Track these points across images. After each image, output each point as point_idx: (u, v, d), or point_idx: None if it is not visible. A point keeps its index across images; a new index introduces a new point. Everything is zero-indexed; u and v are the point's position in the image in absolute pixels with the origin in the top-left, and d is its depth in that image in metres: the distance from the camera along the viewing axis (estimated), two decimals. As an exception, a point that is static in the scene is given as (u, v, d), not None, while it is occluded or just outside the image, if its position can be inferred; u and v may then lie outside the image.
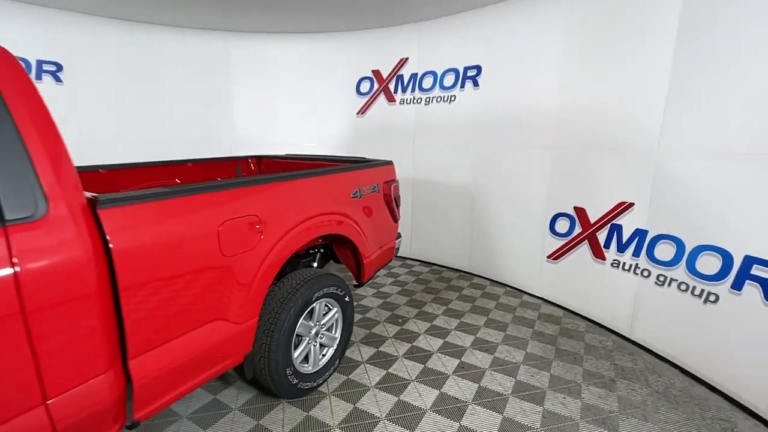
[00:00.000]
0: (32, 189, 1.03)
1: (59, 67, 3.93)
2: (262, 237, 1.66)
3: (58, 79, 3.93)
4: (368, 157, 3.14)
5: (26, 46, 3.72)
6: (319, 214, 1.99)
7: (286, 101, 4.75)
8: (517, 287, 3.72)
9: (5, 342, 0.98)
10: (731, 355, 2.17)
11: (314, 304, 2.06)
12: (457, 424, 1.93)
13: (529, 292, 3.61)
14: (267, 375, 1.84)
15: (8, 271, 0.96)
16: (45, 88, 3.76)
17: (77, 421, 1.13)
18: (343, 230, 2.17)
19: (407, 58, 4.28)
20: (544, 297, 3.48)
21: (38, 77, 3.81)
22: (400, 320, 3.04)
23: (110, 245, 1.16)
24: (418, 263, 4.46)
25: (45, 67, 3.86)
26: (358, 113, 4.65)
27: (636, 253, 2.70)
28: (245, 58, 4.62)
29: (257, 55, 4.63)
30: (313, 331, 2.11)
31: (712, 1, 2.19)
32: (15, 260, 0.98)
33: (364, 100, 4.60)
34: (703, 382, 2.31)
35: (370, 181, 2.44)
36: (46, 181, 1.06)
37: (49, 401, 1.07)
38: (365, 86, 4.57)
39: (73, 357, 1.11)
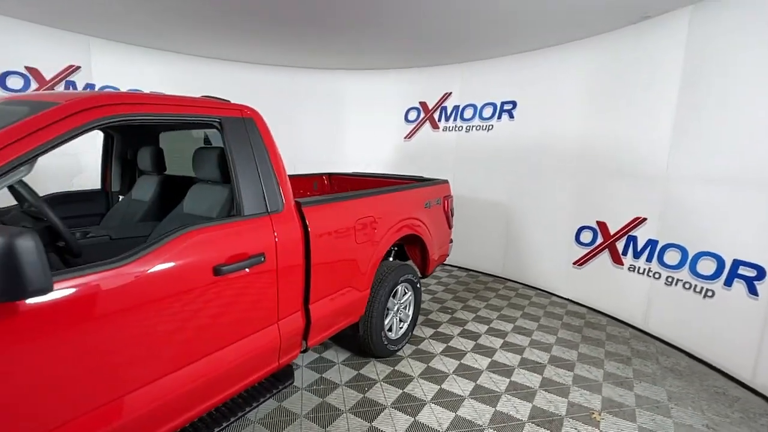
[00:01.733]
0: (279, 196, 1.77)
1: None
2: (376, 231, 2.37)
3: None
4: (415, 175, 3.87)
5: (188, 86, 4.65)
6: (407, 218, 2.70)
7: (347, 127, 5.56)
8: (546, 290, 4.32)
9: (269, 285, 1.70)
10: (724, 338, 2.74)
11: (398, 287, 2.75)
12: (507, 380, 2.56)
13: (557, 294, 4.21)
14: (370, 334, 2.52)
15: (273, 240, 1.69)
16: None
17: (288, 336, 1.83)
18: (419, 231, 2.86)
19: (450, 93, 5.04)
20: (571, 298, 4.07)
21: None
22: (449, 311, 3.69)
23: (309, 229, 1.88)
24: (456, 269, 5.10)
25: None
26: (405, 138, 5.42)
27: (649, 259, 3.30)
28: (312, 90, 5.47)
29: (324, 88, 5.47)
30: (396, 308, 2.79)
31: (707, 58, 2.85)
32: (275, 233, 1.71)
33: (411, 126, 5.37)
34: (703, 362, 2.88)
35: (435, 195, 3.15)
36: (282, 191, 1.80)
37: (279, 321, 1.78)
38: (413, 115, 5.35)
39: (290, 298, 1.82)
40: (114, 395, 1.23)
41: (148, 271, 1.26)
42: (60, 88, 4.26)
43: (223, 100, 1.89)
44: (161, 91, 4.89)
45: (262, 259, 1.63)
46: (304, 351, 2.03)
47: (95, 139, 3.86)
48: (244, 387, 1.70)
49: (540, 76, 4.22)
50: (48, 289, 0.91)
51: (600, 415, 2.24)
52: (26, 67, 4.03)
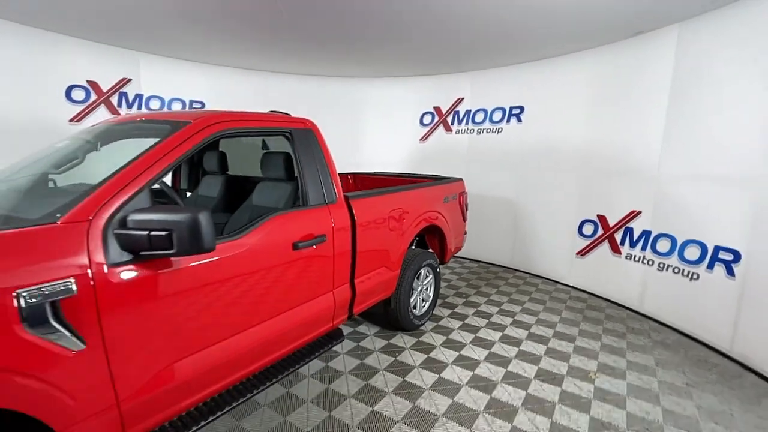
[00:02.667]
0: (333, 190, 2.23)
1: (203, 105, 5.35)
2: (404, 221, 2.82)
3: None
4: (431, 174, 4.30)
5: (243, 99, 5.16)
6: (429, 210, 3.14)
7: (367, 130, 6.03)
8: (551, 278, 4.72)
9: (328, 260, 2.15)
10: (707, 315, 3.13)
11: (421, 270, 3.19)
12: (516, 349, 2.99)
13: (561, 282, 4.61)
14: (399, 308, 2.97)
15: (330, 224, 2.15)
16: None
17: (339, 303, 2.29)
18: (439, 223, 3.30)
19: (462, 98, 5.47)
20: (574, 285, 4.47)
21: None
22: (464, 295, 4.12)
23: (356, 219, 2.33)
24: (468, 260, 5.53)
25: (195, 105, 5.29)
26: (421, 140, 5.86)
27: (643, 248, 3.70)
28: (336, 97, 5.93)
29: (347, 95, 5.93)
30: (419, 288, 3.23)
31: (693, 69, 3.24)
32: (332, 220, 2.16)
33: (426, 129, 5.81)
34: (690, 336, 3.27)
35: (452, 191, 3.59)
36: (335, 187, 2.26)
37: (334, 290, 2.24)
38: (427, 119, 5.79)
39: (341, 272, 2.28)
40: (235, 331, 1.71)
41: (253, 242, 1.72)
42: (114, 99, 4.79)
43: (286, 113, 2.35)
44: (201, 100, 5.42)
45: (324, 239, 2.09)
46: (350, 317, 2.49)
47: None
48: (311, 339, 2.16)
49: (545, 83, 4.63)
50: (213, 249, 1.37)
51: (595, 374, 2.66)
52: (87, 81, 4.56)
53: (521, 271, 5.05)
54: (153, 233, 1.28)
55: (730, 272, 2.96)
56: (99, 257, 1.26)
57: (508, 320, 3.52)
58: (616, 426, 2.15)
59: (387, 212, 2.65)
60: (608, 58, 3.98)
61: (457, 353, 2.90)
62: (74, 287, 1.19)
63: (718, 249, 3.05)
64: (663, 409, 2.32)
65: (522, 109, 4.90)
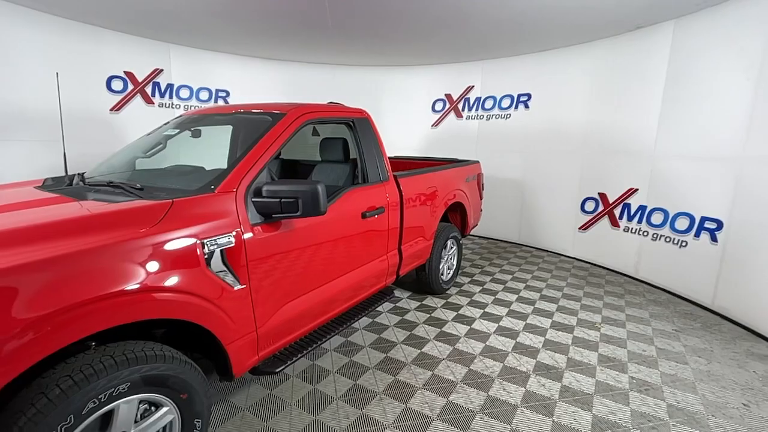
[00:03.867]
0: (386, 170, 2.64)
1: (228, 93, 5.67)
2: (437, 197, 3.25)
3: (225, 102, 5.66)
4: (449, 157, 4.72)
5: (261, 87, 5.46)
6: (455, 189, 3.57)
7: (382, 116, 6.35)
8: (556, 251, 5.22)
9: (384, 229, 2.58)
10: (693, 276, 3.64)
11: (448, 241, 3.64)
12: (532, 307, 3.47)
13: (565, 254, 5.11)
14: (431, 273, 3.42)
15: (386, 199, 2.57)
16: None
17: (391, 265, 2.73)
18: (462, 200, 3.74)
19: (473, 86, 5.85)
20: (577, 257, 4.97)
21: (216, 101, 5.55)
22: (479, 267, 4.60)
23: (403, 194, 2.75)
24: (478, 237, 6.00)
25: (220, 94, 5.60)
26: (433, 125, 6.25)
27: (639, 221, 4.18)
28: (352, 84, 6.25)
29: (363, 83, 6.25)
30: (446, 257, 3.69)
31: (686, 61, 3.67)
32: (387, 195, 2.58)
33: (437, 116, 6.19)
34: (679, 296, 3.79)
35: (472, 172, 4.02)
36: (387, 167, 2.67)
37: (387, 254, 2.68)
38: (439, 105, 6.17)
39: (393, 240, 2.71)
40: (326, 280, 2.15)
41: (337, 211, 2.15)
42: (148, 88, 5.08)
43: (339, 104, 2.73)
44: (226, 88, 5.71)
45: (383, 210, 2.51)
46: (397, 278, 2.93)
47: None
48: (372, 293, 2.62)
49: (551, 72, 5.02)
50: (326, 212, 1.78)
51: (600, 325, 3.16)
52: (125, 71, 4.84)
53: (528, 246, 5.54)
54: (284, 200, 1.70)
55: (714, 239, 3.45)
56: (243, 218, 1.67)
57: (521, 285, 4.00)
58: (620, 359, 2.65)
59: (425, 189, 3.07)
60: (610, 49, 4.38)
61: (482, 310, 3.38)
62: (233, 240, 1.61)
63: (704, 219, 3.54)
64: (656, 348, 2.83)
65: (529, 96, 5.30)
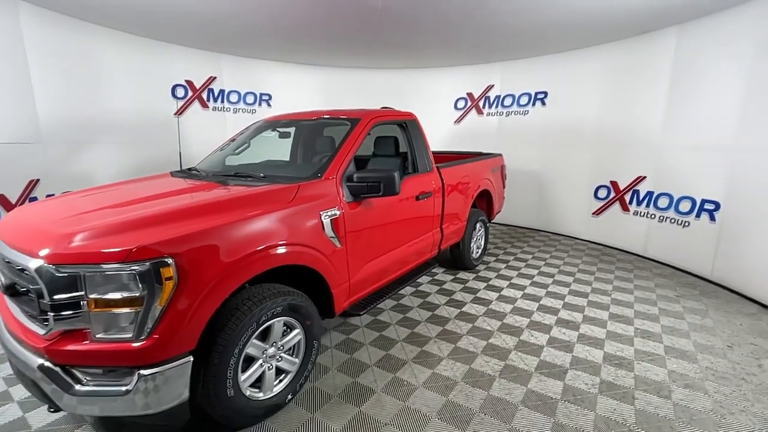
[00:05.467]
0: (431, 162, 3.23)
1: (270, 97, 6.30)
2: (470, 185, 3.82)
3: (269, 104, 6.30)
4: (473, 151, 5.27)
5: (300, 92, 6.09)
6: (483, 178, 4.14)
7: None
8: (571, 235, 5.74)
9: (431, 210, 3.16)
10: (694, 252, 4.14)
11: (477, 223, 4.21)
12: (551, 279, 4.03)
13: (579, 238, 5.62)
14: (464, 250, 4.00)
15: (431, 185, 3.15)
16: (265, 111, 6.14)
17: (435, 240, 3.32)
18: (489, 188, 4.30)
19: (493, 85, 6.36)
20: (590, 239, 5.49)
21: (259, 103, 6.20)
22: (501, 249, 5.15)
23: (444, 182, 3.33)
24: (497, 224, 6.54)
25: (263, 97, 6.24)
26: (455, 122, 6.79)
27: (647, 205, 4.68)
28: (381, 86, 6.81)
29: (391, 84, 6.81)
30: (475, 238, 4.26)
31: (688, 63, 4.14)
32: (432, 182, 3.17)
33: (459, 113, 6.73)
34: (683, 270, 4.29)
35: (497, 164, 4.57)
36: (431, 159, 3.25)
37: (432, 231, 3.27)
38: (461, 104, 6.70)
39: (436, 220, 3.30)
40: (391, 248, 2.75)
41: (400, 193, 2.74)
42: (204, 94, 5.74)
43: (391, 108, 3.31)
44: (269, 92, 6.34)
45: (430, 194, 3.10)
46: (438, 253, 3.52)
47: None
48: (421, 262, 3.22)
49: (566, 72, 5.51)
50: (399, 193, 2.37)
51: (611, 292, 3.70)
52: (185, 80, 5.51)
53: (544, 231, 6.07)
54: (370, 184, 2.29)
55: (712, 218, 3.95)
56: (341, 197, 2.28)
57: (541, 263, 4.55)
58: (627, 316, 3.20)
59: (461, 179, 3.65)
60: (619, 51, 4.86)
61: (508, 282, 3.94)
62: (337, 212, 2.21)
63: (704, 201, 4.03)
64: (659, 308, 3.36)
65: (546, 94, 5.80)
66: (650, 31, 4.48)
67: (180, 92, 5.46)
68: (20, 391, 2.19)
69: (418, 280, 3.88)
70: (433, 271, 4.22)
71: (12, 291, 1.68)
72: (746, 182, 3.62)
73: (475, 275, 4.13)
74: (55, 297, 1.47)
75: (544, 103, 5.83)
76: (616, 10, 3.89)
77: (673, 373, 2.43)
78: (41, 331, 1.54)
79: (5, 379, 2.32)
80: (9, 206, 3.57)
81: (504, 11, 3.95)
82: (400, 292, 3.54)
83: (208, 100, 5.81)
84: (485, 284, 3.88)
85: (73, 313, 1.49)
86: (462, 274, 4.15)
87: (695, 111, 4.10)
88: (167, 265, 1.50)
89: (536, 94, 5.91)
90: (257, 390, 1.94)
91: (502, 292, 3.67)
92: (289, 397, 2.07)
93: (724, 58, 3.80)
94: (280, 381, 2.05)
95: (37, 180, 3.84)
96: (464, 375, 2.39)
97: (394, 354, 2.62)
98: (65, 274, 1.46)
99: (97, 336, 1.50)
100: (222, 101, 5.96)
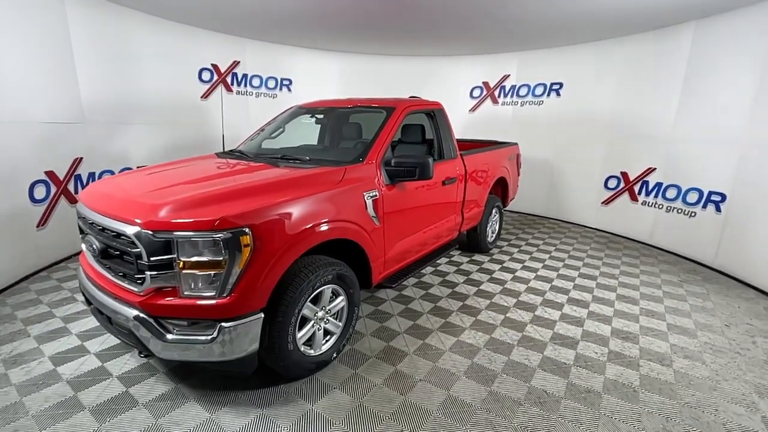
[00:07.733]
0: (456, 149, 3.44)
1: (291, 82, 6.47)
2: (488, 173, 4.03)
3: (289, 89, 6.47)
4: (490, 139, 5.46)
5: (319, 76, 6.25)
6: (501, 166, 4.34)
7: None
8: (580, 223, 5.96)
9: (454, 195, 3.39)
10: (699, 241, 4.36)
11: (492, 209, 4.44)
12: (562, 263, 4.27)
13: (589, 226, 5.85)
14: (481, 233, 4.24)
15: (455, 171, 3.37)
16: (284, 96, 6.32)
17: (457, 223, 3.56)
18: (506, 175, 4.51)
19: (509, 74, 6.49)
20: (598, 227, 5.71)
21: (280, 89, 6.37)
22: (513, 234, 5.39)
23: (466, 169, 3.55)
24: (508, 211, 6.77)
25: (284, 82, 6.41)
26: (470, 110, 6.94)
27: (656, 196, 4.88)
28: (398, 73, 6.94)
29: (409, 72, 6.93)
30: (491, 222, 4.49)
31: (703, 58, 4.28)
32: (456, 168, 3.39)
33: (475, 102, 6.88)
34: (687, 258, 4.53)
35: (513, 152, 4.77)
36: (456, 147, 3.46)
37: (454, 214, 3.50)
38: (476, 92, 6.84)
39: (459, 204, 3.53)
40: (420, 228, 3.00)
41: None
42: (228, 78, 5.91)
43: (419, 97, 3.50)
44: (290, 77, 6.50)
45: (455, 180, 3.32)
46: (459, 234, 3.77)
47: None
48: (443, 242, 3.47)
49: (582, 63, 5.64)
50: (432, 177, 2.59)
51: (618, 276, 3.95)
52: (212, 64, 5.68)
53: (554, 219, 6.29)
54: (406, 168, 2.52)
55: (718, 209, 4.16)
56: (380, 180, 2.51)
57: (551, 248, 4.80)
58: (633, 297, 3.45)
59: (481, 166, 3.86)
60: (635, 45, 4.98)
61: (521, 264, 4.20)
62: (377, 194, 2.45)
63: (711, 193, 4.23)
64: (663, 291, 3.61)
65: (561, 85, 5.94)
66: (667, 26, 4.60)
67: (206, 76, 5.63)
68: (95, 345, 2.49)
69: (437, 261, 4.14)
70: (450, 252, 4.48)
71: (105, 254, 1.95)
72: (753, 176, 3.81)
73: (489, 258, 4.39)
74: (152, 259, 1.72)
75: (558, 94, 5.97)
76: (637, 5, 4.01)
77: (674, 346, 2.69)
78: (136, 289, 1.81)
79: (78, 335, 2.62)
80: (58, 182, 3.82)
81: (531, 1, 4.07)
82: (421, 271, 3.79)
83: (232, 83, 5.98)
84: (500, 266, 4.13)
85: (166, 273, 1.75)
86: (477, 257, 4.40)
87: (707, 105, 4.26)
88: (245, 234, 1.75)
89: (551, 84, 6.04)
90: (309, 347, 2.21)
91: (516, 273, 3.93)
92: (334, 355, 2.34)
93: (738, 55, 3.94)
94: (327, 341, 2.32)
95: (81, 158, 4.07)
96: (486, 343, 2.66)
97: (421, 324, 2.89)
98: (161, 239, 1.71)
99: (185, 293, 1.76)
100: (245, 85, 6.13)
